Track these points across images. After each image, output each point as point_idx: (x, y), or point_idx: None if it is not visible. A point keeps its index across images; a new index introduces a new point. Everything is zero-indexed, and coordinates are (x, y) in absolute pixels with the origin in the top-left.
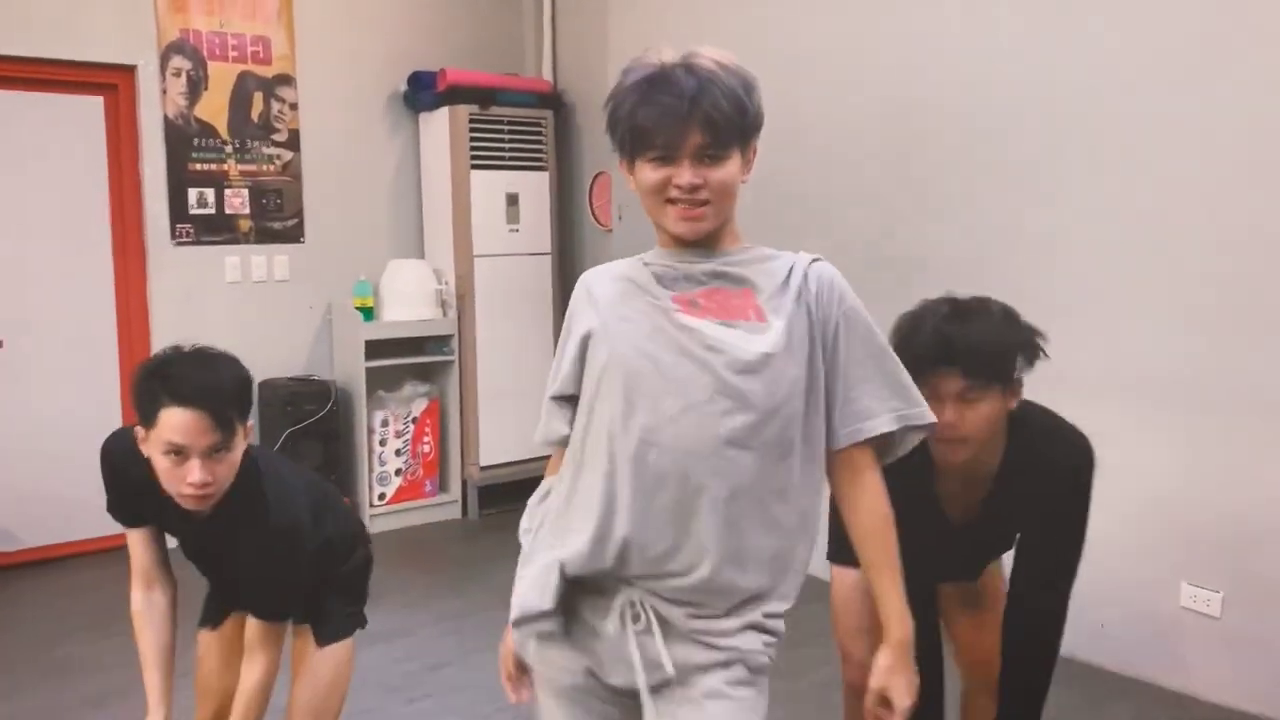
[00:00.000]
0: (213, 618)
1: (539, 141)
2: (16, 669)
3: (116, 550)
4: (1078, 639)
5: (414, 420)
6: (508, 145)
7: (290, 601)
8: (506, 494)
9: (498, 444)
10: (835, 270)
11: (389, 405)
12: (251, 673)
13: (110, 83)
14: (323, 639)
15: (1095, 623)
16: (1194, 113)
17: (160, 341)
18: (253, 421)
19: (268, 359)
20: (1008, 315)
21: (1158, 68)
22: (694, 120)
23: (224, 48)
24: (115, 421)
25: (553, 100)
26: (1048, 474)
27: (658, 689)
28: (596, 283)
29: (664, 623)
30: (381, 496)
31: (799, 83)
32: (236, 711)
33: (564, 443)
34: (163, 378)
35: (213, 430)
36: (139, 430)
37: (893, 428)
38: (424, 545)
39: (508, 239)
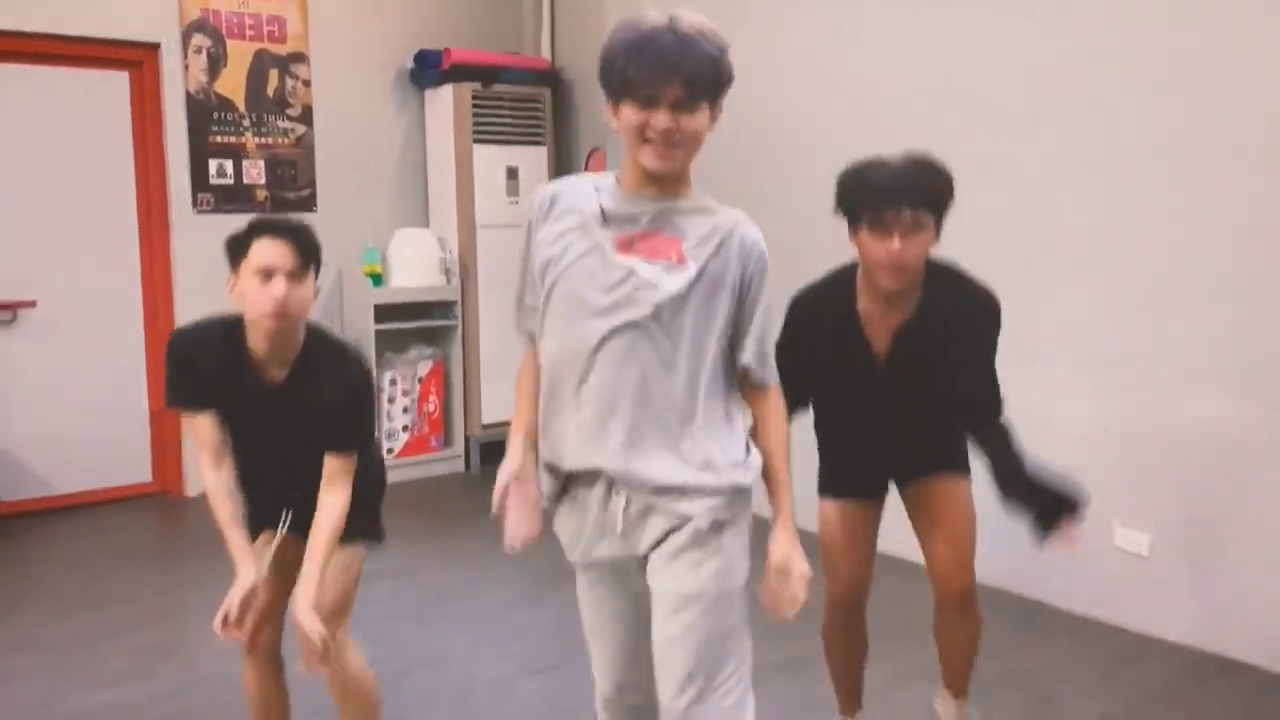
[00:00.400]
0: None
1: (537, 117)
2: (64, 598)
3: (141, 498)
4: (1021, 576)
5: (420, 380)
6: (508, 121)
7: (368, 428)
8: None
9: (498, 403)
10: (757, 230)
11: (397, 366)
12: (331, 501)
13: (136, 59)
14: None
15: (1040, 561)
16: (1119, 113)
17: (183, 302)
18: (320, 284)
19: None
20: (943, 168)
21: (1096, 75)
22: (675, 77)
23: (242, 26)
24: (141, 374)
25: (551, 78)
26: (960, 314)
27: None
28: (554, 209)
29: (629, 500)
30: (390, 451)
31: (783, 60)
32: (319, 537)
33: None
34: (253, 226)
35: (295, 256)
36: (229, 279)
37: (752, 367)
38: (429, 495)
39: (508, 210)
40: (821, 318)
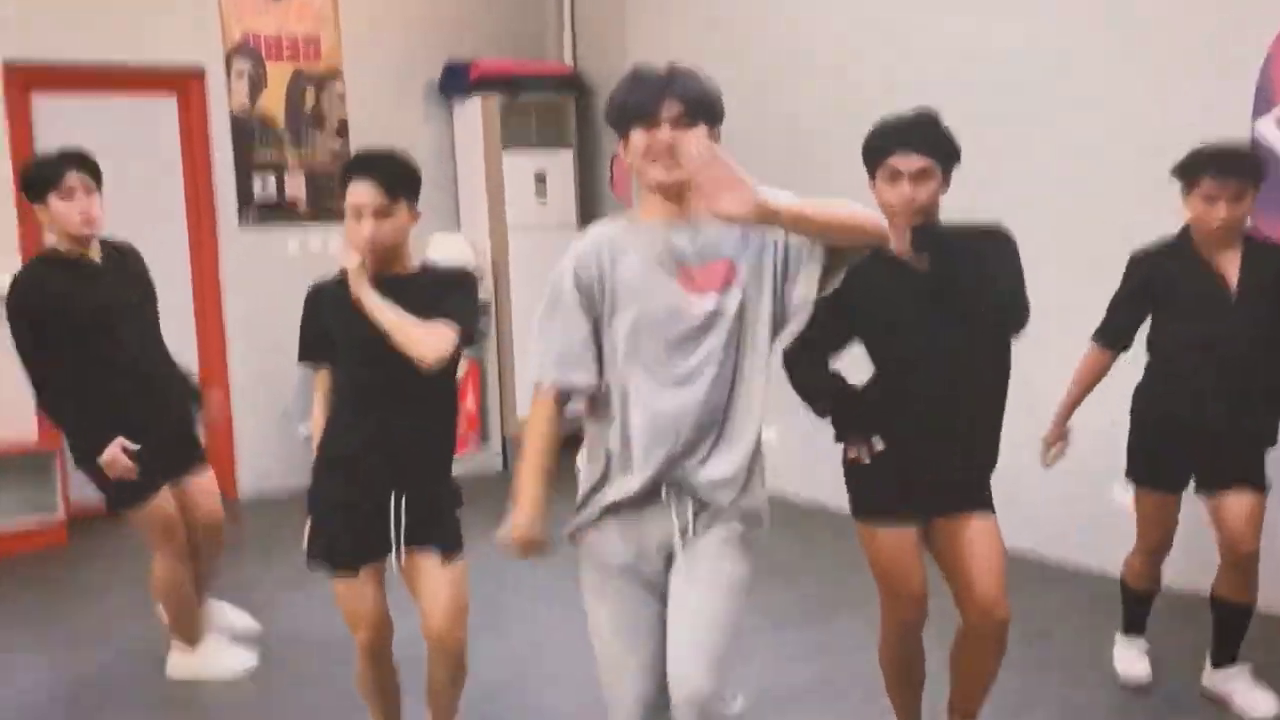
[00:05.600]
0: (346, 565)
1: (563, 123)
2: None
3: None
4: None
5: (457, 380)
6: (535, 128)
7: (473, 313)
8: None
9: None
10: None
11: None
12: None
13: (182, 84)
14: (447, 553)
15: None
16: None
17: (232, 310)
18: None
19: None
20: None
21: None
22: (671, 96)
23: (280, 48)
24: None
25: (574, 83)
26: (981, 237)
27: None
28: (616, 257)
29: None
30: None
31: (802, 63)
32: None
33: None
34: (348, 163)
35: (380, 194)
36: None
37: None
38: (471, 493)
39: (537, 212)
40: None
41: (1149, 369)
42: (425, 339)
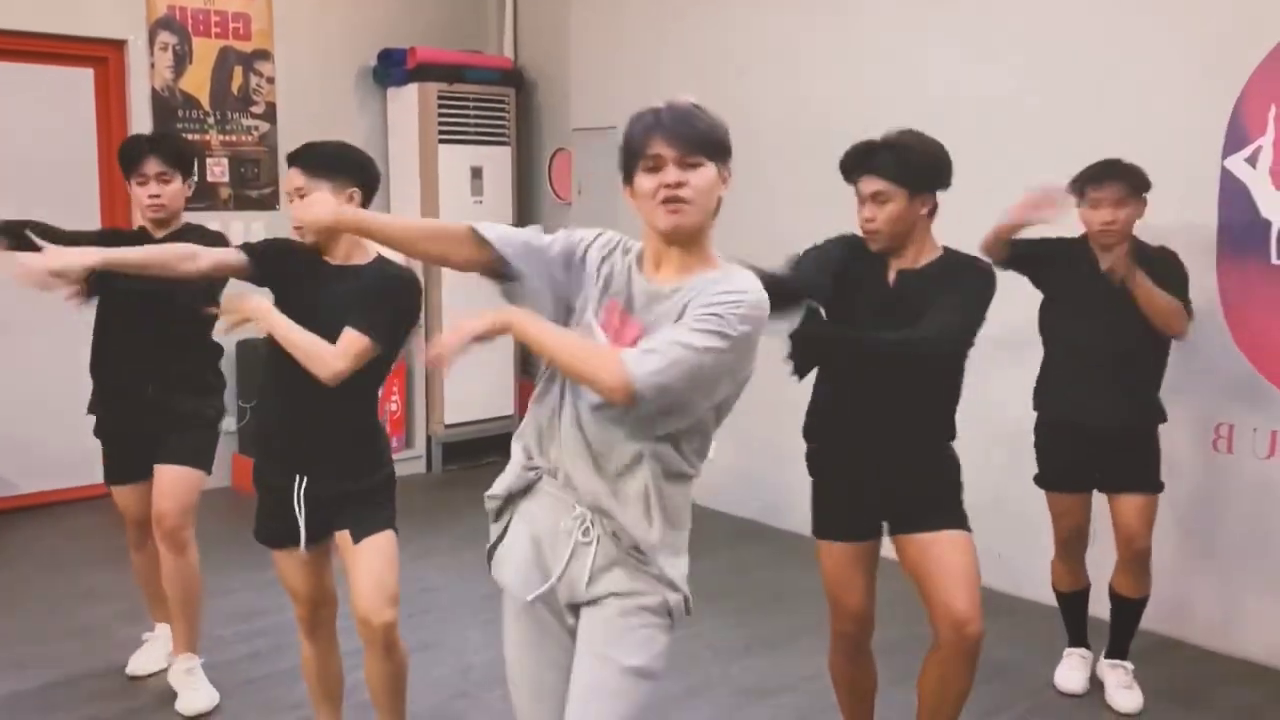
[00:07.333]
0: (280, 541)
1: (502, 118)
2: (51, 595)
3: (102, 497)
4: None
5: None
6: (472, 121)
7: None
8: (468, 450)
9: (460, 404)
10: (737, 280)
11: None
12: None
13: (101, 56)
14: (360, 535)
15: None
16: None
17: None
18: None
19: None
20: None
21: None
22: (676, 137)
23: (207, 23)
24: None
25: (515, 78)
26: (959, 270)
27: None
28: (605, 269)
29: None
30: None
31: (749, 59)
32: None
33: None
34: (292, 156)
35: (299, 176)
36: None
37: None
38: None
39: (472, 210)
40: (856, 243)
41: (1043, 369)
42: (322, 357)
